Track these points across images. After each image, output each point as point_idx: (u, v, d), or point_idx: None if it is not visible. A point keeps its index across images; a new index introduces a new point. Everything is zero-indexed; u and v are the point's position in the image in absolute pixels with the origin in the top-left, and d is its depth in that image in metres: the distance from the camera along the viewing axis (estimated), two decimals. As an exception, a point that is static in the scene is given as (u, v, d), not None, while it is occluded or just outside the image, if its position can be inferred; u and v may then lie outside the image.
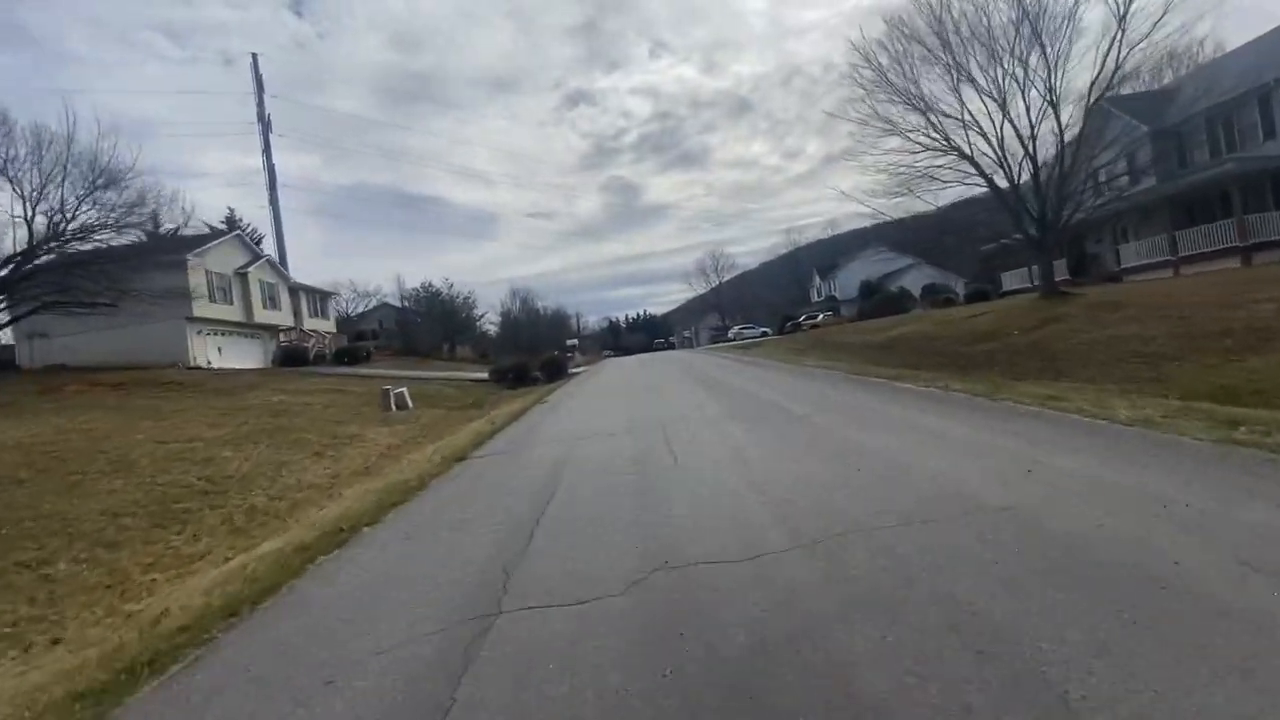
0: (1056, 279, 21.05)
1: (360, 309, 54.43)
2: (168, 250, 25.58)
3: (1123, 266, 25.57)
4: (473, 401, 21.22)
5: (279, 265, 33.37)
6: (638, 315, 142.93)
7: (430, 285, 49.41)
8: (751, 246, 77.09)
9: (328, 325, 39.39)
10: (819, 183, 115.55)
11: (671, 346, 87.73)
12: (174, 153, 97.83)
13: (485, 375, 27.81)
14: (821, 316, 56.23)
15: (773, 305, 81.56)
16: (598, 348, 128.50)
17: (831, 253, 79.50)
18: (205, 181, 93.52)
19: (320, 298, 38.96)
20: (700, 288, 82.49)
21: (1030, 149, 17.73)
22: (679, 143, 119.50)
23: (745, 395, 12.86)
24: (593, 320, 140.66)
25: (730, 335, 62.24)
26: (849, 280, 61.55)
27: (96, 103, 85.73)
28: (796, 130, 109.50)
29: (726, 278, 79.40)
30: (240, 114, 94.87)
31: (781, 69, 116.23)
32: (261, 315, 31.40)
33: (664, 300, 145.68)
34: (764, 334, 60.71)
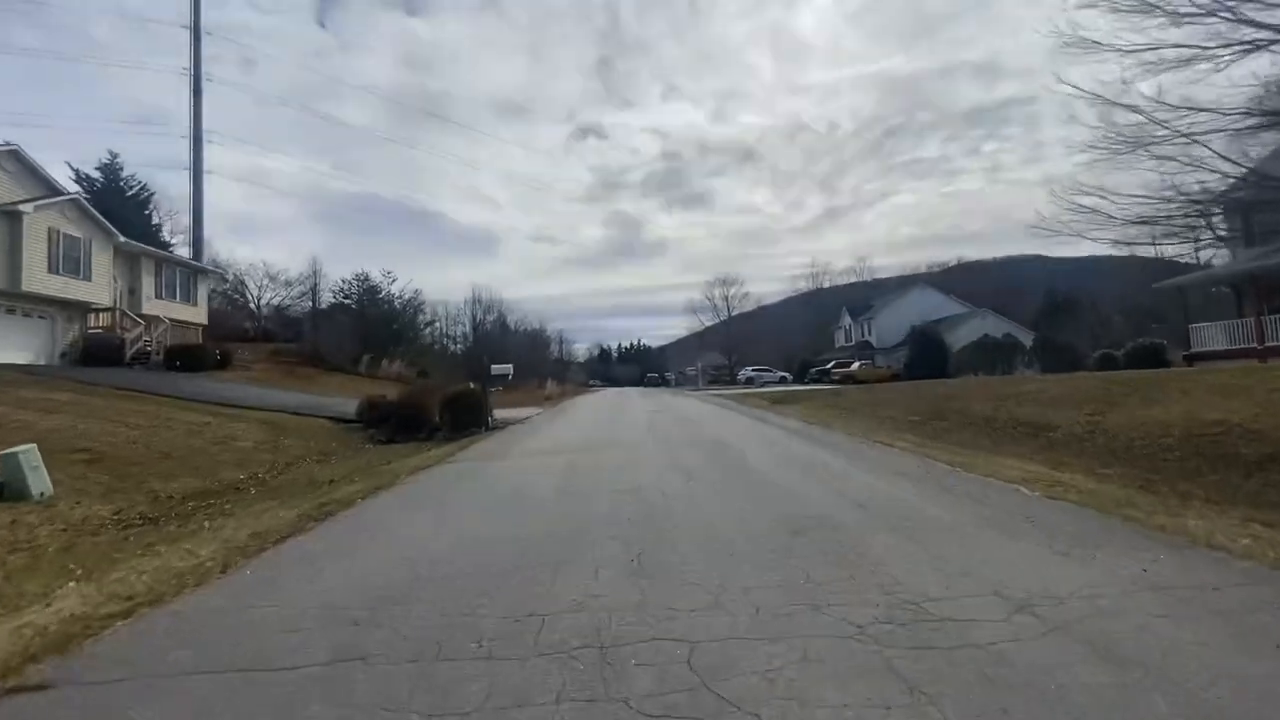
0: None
1: (298, 300, 43.32)
2: None
3: None
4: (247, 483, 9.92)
5: (93, 212, 22.09)
6: (632, 345, 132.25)
7: (365, 277, 38.35)
8: (751, 290, 72.11)
9: (193, 313, 28.05)
10: (818, 235, 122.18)
11: (665, 383, 76.43)
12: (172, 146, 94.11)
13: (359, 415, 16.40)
14: (858, 364, 45.32)
15: (788, 348, 70.84)
16: (584, 376, 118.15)
17: (854, 297, 69.26)
18: (210, 178, 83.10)
19: (183, 273, 27.64)
20: (707, 319, 71.59)
21: None
22: (685, 183, 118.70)
23: None
24: (583, 346, 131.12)
25: (741, 378, 51.24)
26: (891, 324, 50.86)
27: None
28: (799, 183, 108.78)
29: (737, 311, 68.49)
30: (247, 115, 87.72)
31: (787, 124, 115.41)
32: (45, 283, 20.12)
33: (659, 335, 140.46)
34: (783, 379, 49.79)
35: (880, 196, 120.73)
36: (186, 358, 22.60)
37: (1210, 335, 19.94)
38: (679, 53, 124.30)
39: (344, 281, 38.04)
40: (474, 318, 41.95)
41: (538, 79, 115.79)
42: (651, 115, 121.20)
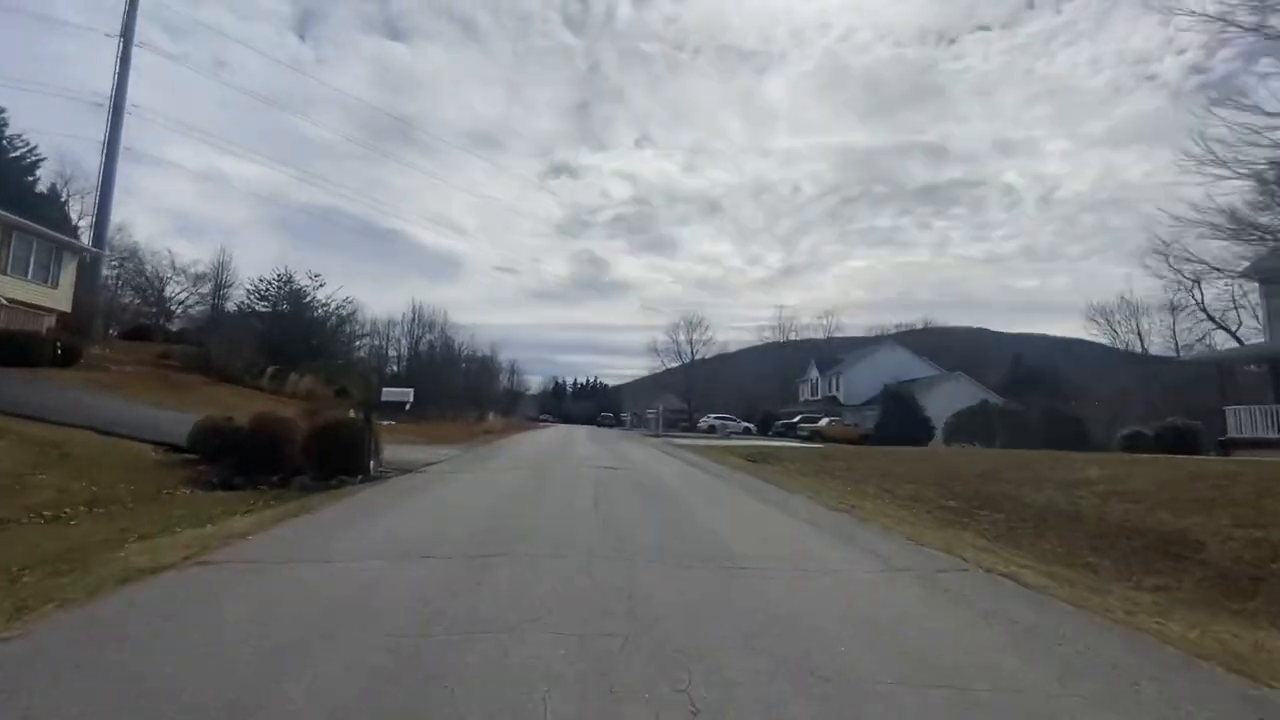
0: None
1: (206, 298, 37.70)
2: None
3: None
4: None
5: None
6: (588, 381, 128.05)
7: (288, 279, 33.40)
8: (716, 336, 71.39)
9: (50, 296, 22.79)
10: (775, 291, 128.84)
11: (620, 423, 72.28)
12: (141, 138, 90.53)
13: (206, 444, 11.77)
14: (826, 421, 42.42)
15: (749, 398, 68.00)
16: (536, 409, 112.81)
17: (817, 352, 67.50)
18: (170, 172, 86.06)
19: (43, 247, 22.49)
20: (669, 360, 68.22)
21: None
22: (651, 228, 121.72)
23: None
24: (538, 379, 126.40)
25: (702, 425, 47.72)
26: (859, 381, 48.55)
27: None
28: (760, 239, 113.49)
29: (701, 355, 65.40)
30: (221, 116, 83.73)
31: (752, 183, 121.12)
32: None
33: (616, 374, 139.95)
34: (747, 430, 46.47)
35: (836, 259, 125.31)
36: (10, 349, 17.49)
37: (1247, 420, 17.45)
38: (654, 105, 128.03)
39: (261, 281, 33.02)
40: (412, 336, 37.36)
41: (514, 114, 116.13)
42: (623, 160, 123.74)
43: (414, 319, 37.24)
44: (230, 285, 36.71)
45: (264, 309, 33.65)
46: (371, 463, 10.67)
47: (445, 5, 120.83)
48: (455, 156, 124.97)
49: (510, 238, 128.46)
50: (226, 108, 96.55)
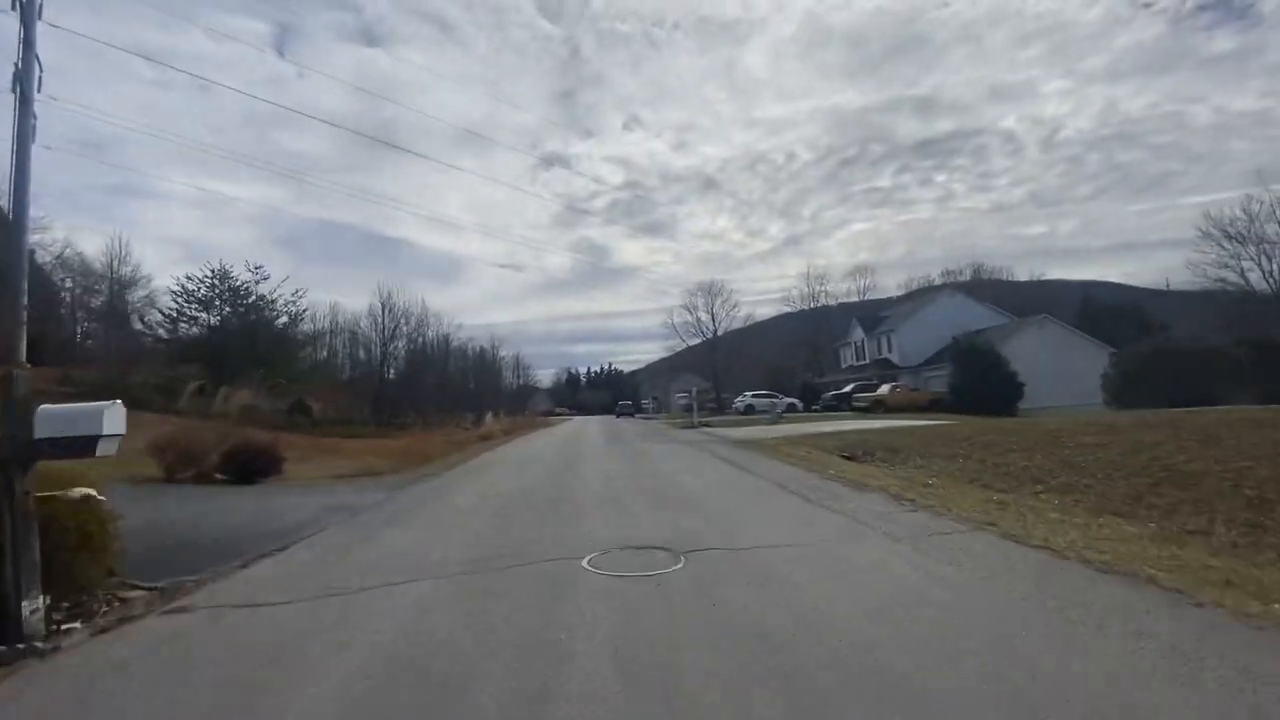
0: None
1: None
2: None
3: None
4: None
5: None
6: (601, 369, 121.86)
7: (223, 274, 27.01)
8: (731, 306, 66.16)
9: None
10: (780, 262, 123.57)
11: (639, 410, 65.76)
12: (134, 171, 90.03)
13: None
14: (888, 388, 35.49)
15: (779, 370, 61.12)
16: (551, 403, 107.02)
17: (844, 318, 60.35)
18: (168, 202, 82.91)
19: None
20: (689, 338, 61.07)
21: None
22: (649, 211, 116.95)
23: None
24: (550, 373, 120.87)
25: (738, 406, 40.99)
26: (916, 337, 41.42)
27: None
28: (760, 211, 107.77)
29: (725, 327, 58.18)
30: (210, 140, 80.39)
31: (746, 154, 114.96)
32: None
33: (629, 359, 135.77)
34: (791, 407, 39.69)
35: (839, 224, 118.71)
36: None
37: None
38: (638, 86, 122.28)
39: (189, 280, 26.63)
40: (381, 330, 30.76)
41: (499, 109, 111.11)
42: (613, 145, 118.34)
43: (383, 311, 30.73)
44: (132, 284, 30.18)
45: (195, 312, 27.37)
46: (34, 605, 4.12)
47: (417, 6, 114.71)
48: (446, 158, 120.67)
49: (510, 234, 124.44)
50: (217, 132, 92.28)
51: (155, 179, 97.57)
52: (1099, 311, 47.83)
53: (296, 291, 28.52)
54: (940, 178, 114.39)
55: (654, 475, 10.00)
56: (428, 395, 33.49)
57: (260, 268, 28.00)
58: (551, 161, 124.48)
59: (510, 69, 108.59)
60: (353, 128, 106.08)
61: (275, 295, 28.12)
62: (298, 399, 26.76)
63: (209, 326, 27.47)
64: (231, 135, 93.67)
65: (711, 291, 57.39)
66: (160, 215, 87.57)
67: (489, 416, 33.85)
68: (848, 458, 13.38)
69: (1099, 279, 65.57)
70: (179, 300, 27.01)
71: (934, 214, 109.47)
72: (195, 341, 27.29)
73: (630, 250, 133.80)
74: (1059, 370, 34.08)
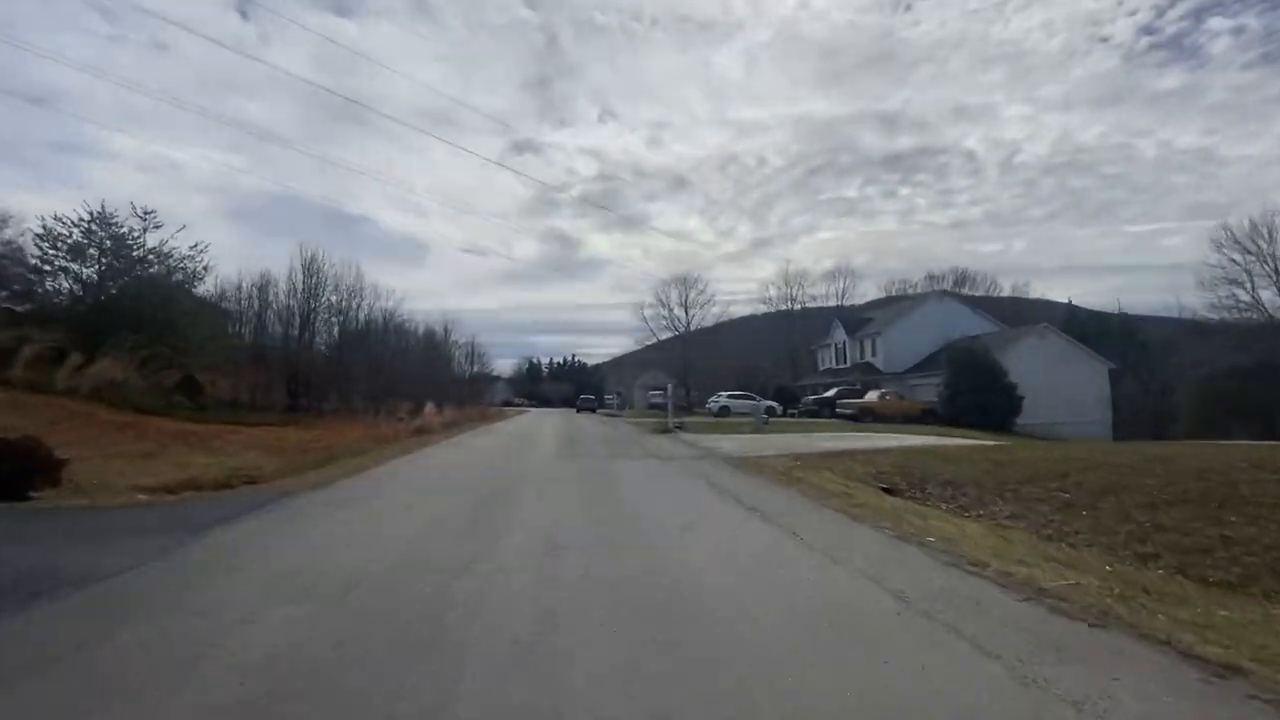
0: None
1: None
2: None
3: None
4: None
5: None
6: (565, 360, 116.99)
7: (103, 218, 21.87)
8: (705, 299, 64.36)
9: None
10: (747, 264, 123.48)
11: (603, 405, 61.78)
12: (81, 128, 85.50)
13: None
14: (877, 394, 32.44)
15: (750, 372, 57.98)
16: (510, 393, 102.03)
17: (830, 318, 57.88)
18: (115, 164, 78.25)
19: None
20: (661, 331, 57.06)
21: None
22: (620, 205, 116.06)
23: None
24: (511, 362, 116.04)
25: (711, 406, 37.48)
26: (903, 342, 38.59)
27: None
28: (729, 213, 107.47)
29: (699, 322, 54.40)
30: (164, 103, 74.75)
31: (718, 155, 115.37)
32: None
33: (591, 352, 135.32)
34: (770, 410, 36.31)
35: (805, 230, 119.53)
36: None
37: None
38: (614, 79, 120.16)
39: (57, 221, 21.37)
40: (302, 293, 25.56)
41: (472, 91, 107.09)
42: (587, 137, 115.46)
43: (304, 275, 25.54)
44: None
45: (65, 262, 22.14)
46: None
47: None
48: (414, 137, 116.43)
49: (476, 220, 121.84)
50: (169, 94, 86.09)
51: (102, 138, 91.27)
52: (1086, 327, 46.00)
53: (196, 245, 23.53)
54: (904, 191, 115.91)
55: (633, 533, 5.89)
56: (358, 379, 28.83)
57: (152, 213, 22.95)
58: (523, 148, 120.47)
59: (485, 52, 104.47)
60: (317, 100, 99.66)
61: (169, 248, 23.09)
62: (185, 375, 21.92)
63: (81, 280, 22.34)
64: (186, 97, 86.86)
65: (685, 284, 53.66)
66: (105, 177, 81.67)
67: (429, 407, 29.36)
68: (887, 490, 9.81)
69: (1059, 299, 64.54)
70: (41, 246, 21.74)
71: (897, 226, 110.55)
72: (64, 298, 22.17)
73: (600, 243, 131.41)
74: (1057, 386, 31.56)
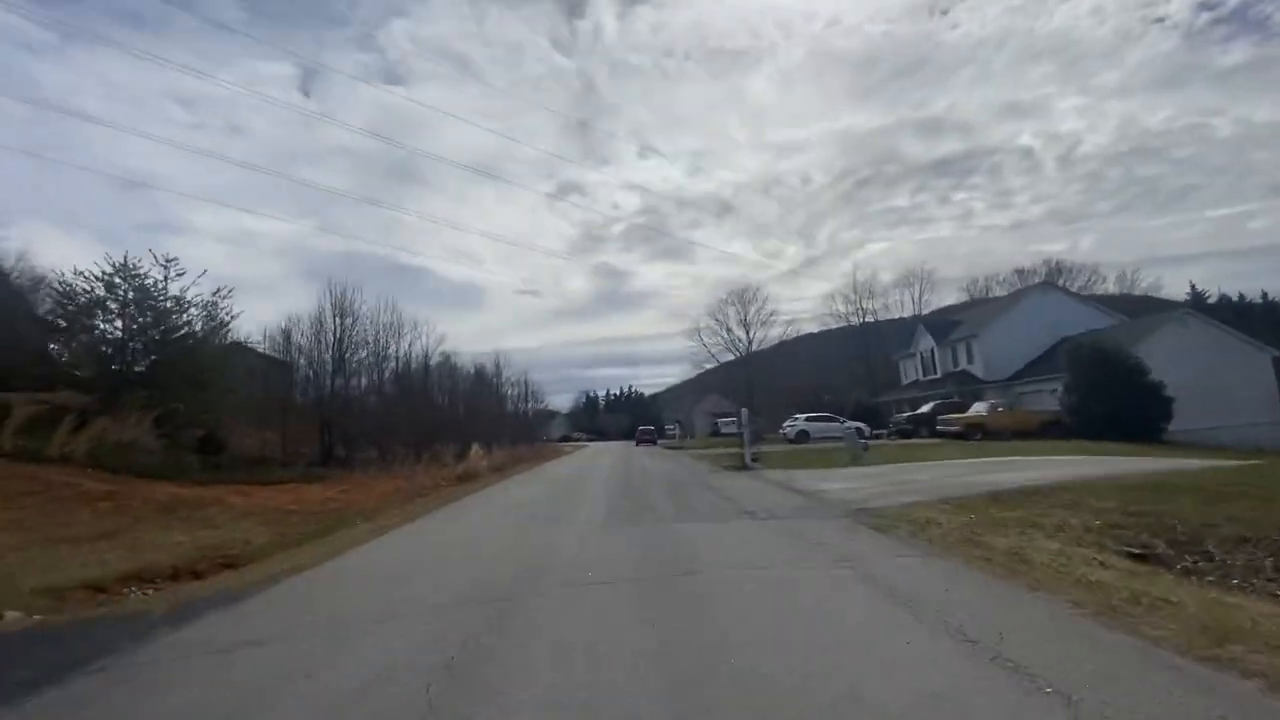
0: None
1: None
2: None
3: None
4: None
5: None
6: (621, 392, 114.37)
7: (130, 268, 20.47)
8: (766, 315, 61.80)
9: None
10: (797, 284, 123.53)
11: (663, 435, 58.16)
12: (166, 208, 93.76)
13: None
14: (987, 406, 27.68)
15: (823, 388, 53.38)
16: (568, 428, 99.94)
17: (914, 325, 52.79)
18: (197, 237, 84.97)
19: None
20: (720, 353, 52.86)
21: None
22: (665, 236, 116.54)
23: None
24: (568, 397, 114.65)
25: (787, 431, 33.45)
26: (1005, 344, 33.57)
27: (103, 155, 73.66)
28: (776, 233, 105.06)
29: (761, 341, 50.07)
30: (241, 177, 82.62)
31: (761, 178, 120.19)
32: None
33: (648, 383, 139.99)
34: (858, 431, 31.97)
35: (856, 245, 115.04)
36: None
37: None
38: (652, 115, 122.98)
39: (77, 276, 20.07)
40: (333, 335, 23.40)
41: (517, 140, 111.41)
42: (629, 172, 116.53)
43: (334, 318, 23.50)
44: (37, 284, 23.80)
45: (86, 320, 20.82)
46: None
47: (438, 45, 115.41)
48: (466, 188, 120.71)
49: (528, 261, 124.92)
50: (244, 169, 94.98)
51: (185, 216, 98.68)
52: (1222, 316, 39.35)
53: (219, 291, 21.89)
54: (959, 196, 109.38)
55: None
56: (399, 424, 26.58)
57: (174, 260, 21.44)
58: (569, 189, 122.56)
59: (526, 102, 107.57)
60: (375, 162, 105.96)
61: (193, 297, 21.46)
62: (207, 433, 20.01)
63: (105, 337, 20.95)
64: (259, 173, 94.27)
65: (744, 300, 49.77)
66: (188, 250, 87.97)
67: (475, 450, 26.72)
68: (1139, 556, 5.99)
69: (1174, 291, 56.67)
70: (61, 304, 20.50)
71: (954, 231, 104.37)
72: (85, 357, 20.81)
73: (648, 275, 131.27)
74: (1208, 383, 26.00)
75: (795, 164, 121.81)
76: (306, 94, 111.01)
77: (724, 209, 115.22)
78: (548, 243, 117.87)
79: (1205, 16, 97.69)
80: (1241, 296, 45.92)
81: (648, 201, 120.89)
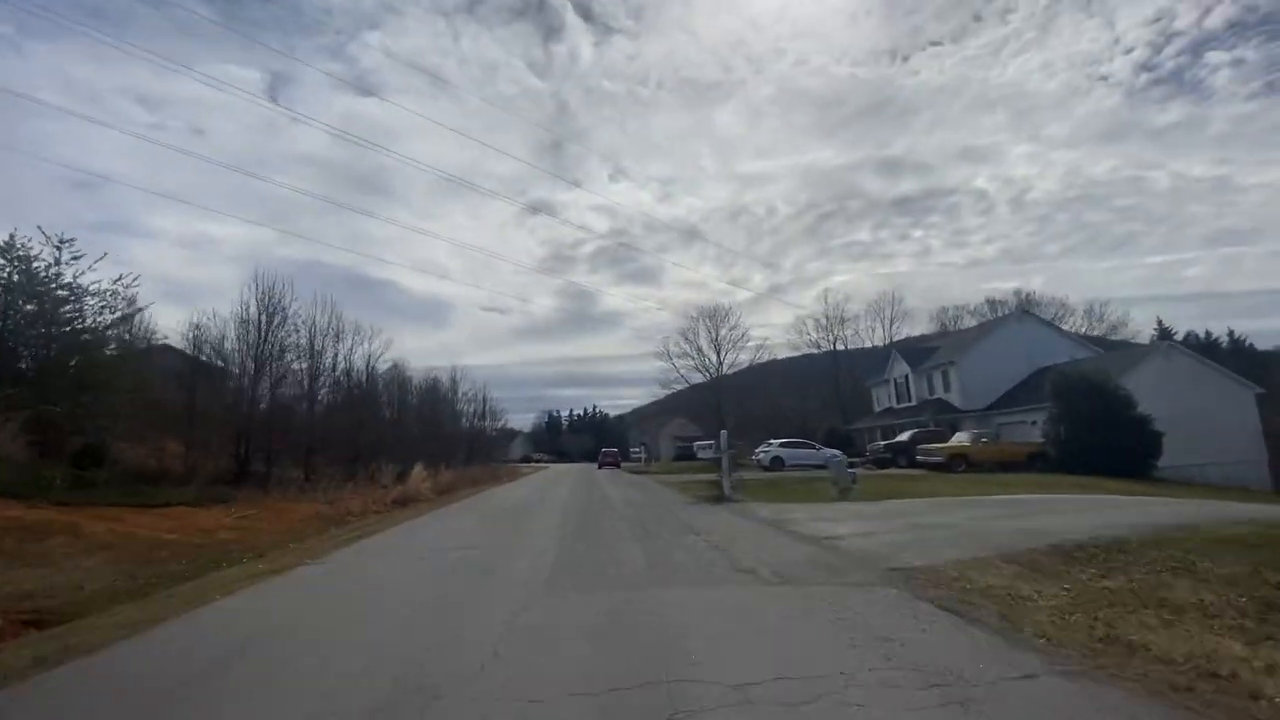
0: None
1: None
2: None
3: None
4: None
5: None
6: (585, 412, 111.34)
7: (16, 248, 17.28)
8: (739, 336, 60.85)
9: None
10: (762, 311, 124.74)
11: (624, 458, 55.58)
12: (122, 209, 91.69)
13: None
14: (970, 436, 26.28)
15: (793, 416, 51.90)
16: (529, 447, 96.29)
17: (888, 352, 52.05)
18: (155, 242, 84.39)
19: None
20: (689, 373, 50.59)
21: None
22: (634, 258, 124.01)
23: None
24: (530, 416, 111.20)
25: (760, 458, 31.54)
26: (983, 372, 32.54)
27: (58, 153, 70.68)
28: (743, 261, 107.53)
29: (733, 362, 48.18)
30: (201, 181, 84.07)
31: (729, 207, 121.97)
32: None
33: (612, 404, 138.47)
34: (834, 459, 30.25)
35: (820, 275, 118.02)
36: None
37: None
38: (623, 140, 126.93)
39: None
40: (258, 324, 20.39)
41: (488, 157, 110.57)
42: (599, 195, 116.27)
43: (260, 315, 20.52)
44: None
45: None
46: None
47: (413, 59, 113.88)
48: (434, 204, 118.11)
49: (495, 278, 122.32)
50: (204, 172, 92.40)
51: (141, 218, 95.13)
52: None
53: (120, 279, 18.90)
54: (917, 233, 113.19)
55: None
56: (333, 438, 23.65)
57: (69, 241, 18.41)
58: (538, 208, 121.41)
59: (499, 121, 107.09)
60: (342, 171, 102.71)
61: (89, 283, 18.41)
62: (87, 443, 16.91)
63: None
64: (221, 176, 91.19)
65: (715, 318, 47.98)
66: (147, 254, 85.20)
67: (418, 470, 23.94)
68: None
69: (1141, 324, 57.56)
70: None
71: (913, 267, 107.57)
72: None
73: (615, 297, 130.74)
74: (1193, 418, 25.18)
75: (762, 195, 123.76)
76: (274, 100, 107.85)
77: (692, 235, 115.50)
78: (516, 261, 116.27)
79: (1145, 77, 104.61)
80: (1209, 334, 46.61)
81: (617, 224, 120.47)
